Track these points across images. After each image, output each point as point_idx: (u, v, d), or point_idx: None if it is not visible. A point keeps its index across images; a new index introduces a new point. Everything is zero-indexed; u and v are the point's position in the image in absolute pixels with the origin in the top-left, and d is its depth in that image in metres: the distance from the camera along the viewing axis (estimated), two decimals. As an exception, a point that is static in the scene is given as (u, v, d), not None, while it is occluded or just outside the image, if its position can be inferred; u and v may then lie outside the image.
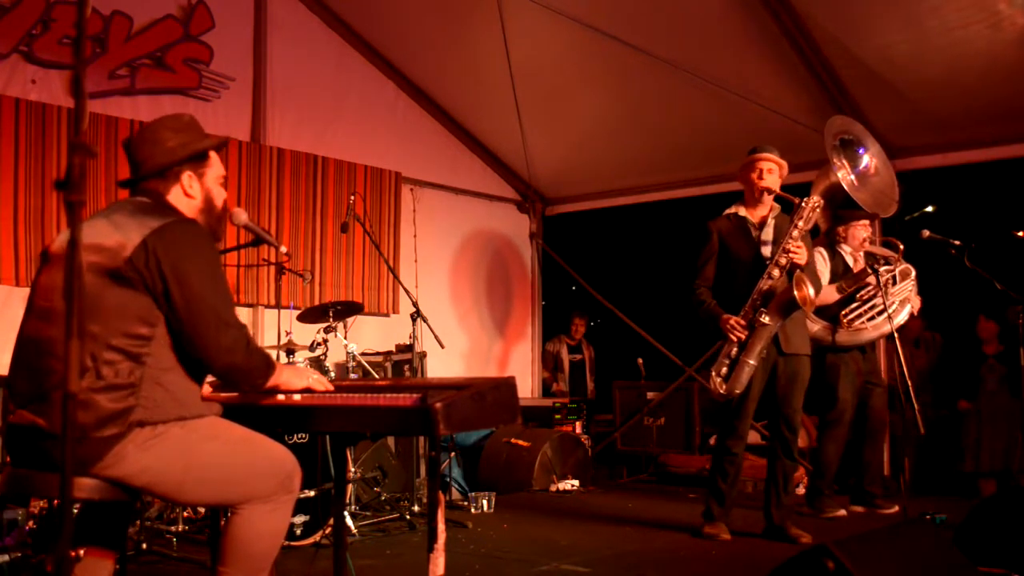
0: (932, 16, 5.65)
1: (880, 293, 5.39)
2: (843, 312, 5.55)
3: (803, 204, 4.69)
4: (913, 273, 5.67)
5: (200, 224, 2.70)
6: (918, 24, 5.76)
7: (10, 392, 2.58)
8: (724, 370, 4.72)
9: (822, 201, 4.79)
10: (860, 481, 5.76)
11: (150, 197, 2.68)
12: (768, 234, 4.82)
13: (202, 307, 2.51)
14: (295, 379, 2.80)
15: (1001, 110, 6.22)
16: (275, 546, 2.69)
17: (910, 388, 4.89)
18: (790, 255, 4.62)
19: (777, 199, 4.89)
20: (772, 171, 4.83)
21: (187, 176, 2.73)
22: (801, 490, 6.03)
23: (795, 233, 4.67)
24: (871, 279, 5.45)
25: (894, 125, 6.71)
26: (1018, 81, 5.93)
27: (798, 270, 4.60)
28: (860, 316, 5.56)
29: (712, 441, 6.67)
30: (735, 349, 4.71)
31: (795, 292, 4.49)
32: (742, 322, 4.68)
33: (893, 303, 5.51)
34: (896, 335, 5.05)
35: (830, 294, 5.57)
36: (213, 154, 2.81)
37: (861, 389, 5.67)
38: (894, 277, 5.61)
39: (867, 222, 5.71)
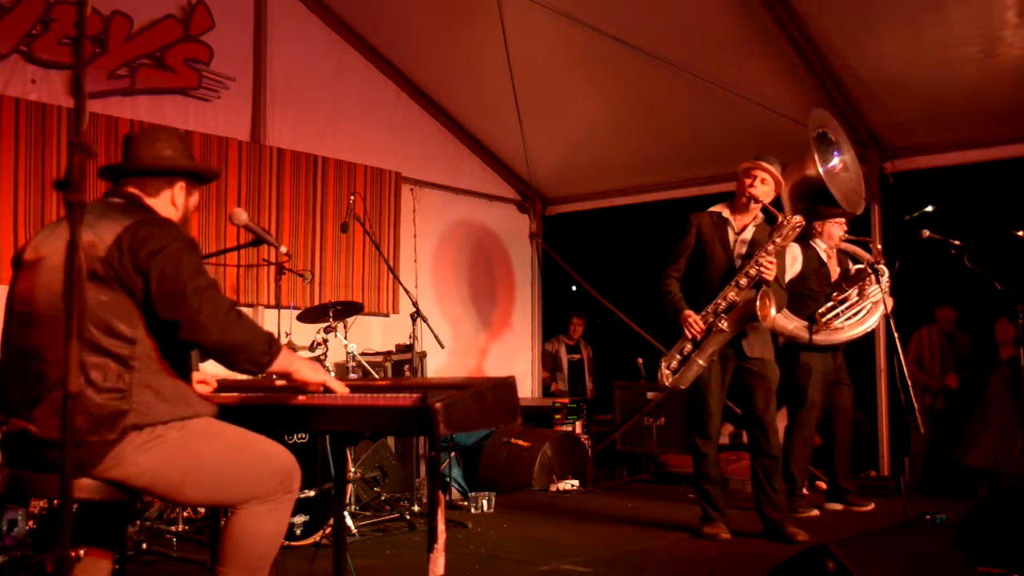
0: (931, 13, 5.66)
1: (880, 292, 5.41)
2: (820, 311, 5.57)
3: (785, 222, 4.72)
4: (887, 275, 5.68)
5: (173, 221, 2.69)
6: (917, 23, 5.76)
7: (1, 401, 2.59)
8: (675, 364, 4.82)
9: (804, 222, 4.84)
10: (834, 480, 5.86)
11: (123, 198, 2.67)
12: (745, 242, 4.85)
13: (180, 286, 2.48)
14: (311, 373, 2.75)
15: (1001, 110, 6.22)
16: (275, 546, 2.69)
17: (910, 388, 4.90)
18: (761, 269, 4.67)
19: (763, 210, 4.90)
20: (766, 181, 4.83)
21: (180, 187, 2.76)
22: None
23: (770, 248, 4.71)
24: (870, 280, 5.46)
25: (894, 125, 6.71)
26: (1018, 80, 5.93)
27: (765, 285, 4.66)
28: (837, 316, 5.58)
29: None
30: (689, 346, 4.79)
31: (758, 306, 4.57)
32: (701, 323, 4.73)
33: (866, 306, 5.55)
34: (896, 335, 5.05)
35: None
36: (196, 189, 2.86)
37: (828, 389, 5.71)
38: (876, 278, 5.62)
39: (843, 220, 5.73)
